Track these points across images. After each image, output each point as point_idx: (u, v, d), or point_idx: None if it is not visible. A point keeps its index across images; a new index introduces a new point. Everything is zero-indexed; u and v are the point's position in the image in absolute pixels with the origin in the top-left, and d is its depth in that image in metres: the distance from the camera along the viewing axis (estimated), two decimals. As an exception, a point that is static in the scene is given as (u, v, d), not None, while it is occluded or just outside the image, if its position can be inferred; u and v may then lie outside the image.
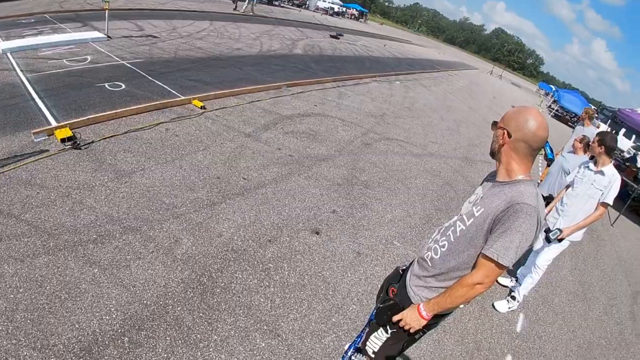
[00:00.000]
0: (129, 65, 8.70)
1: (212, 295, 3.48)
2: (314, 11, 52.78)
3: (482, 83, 34.97)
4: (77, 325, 2.87)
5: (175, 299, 3.33)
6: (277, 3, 43.02)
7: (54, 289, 3.10)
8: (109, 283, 3.29)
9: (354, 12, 68.09)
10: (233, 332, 3.19)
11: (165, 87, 7.93)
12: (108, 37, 10.72)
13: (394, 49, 34.91)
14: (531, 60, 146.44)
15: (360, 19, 69.67)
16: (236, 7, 25.38)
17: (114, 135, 5.63)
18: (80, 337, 2.80)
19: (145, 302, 3.22)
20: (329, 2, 58.79)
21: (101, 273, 3.36)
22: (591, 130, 7.34)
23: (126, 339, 2.88)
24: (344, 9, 64.82)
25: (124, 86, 7.42)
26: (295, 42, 19.45)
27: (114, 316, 3.02)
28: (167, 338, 2.98)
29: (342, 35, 30.99)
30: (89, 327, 2.88)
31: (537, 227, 1.81)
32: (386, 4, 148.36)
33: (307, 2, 53.65)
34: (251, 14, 25.16)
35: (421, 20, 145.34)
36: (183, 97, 7.56)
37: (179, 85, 8.25)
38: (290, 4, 48.41)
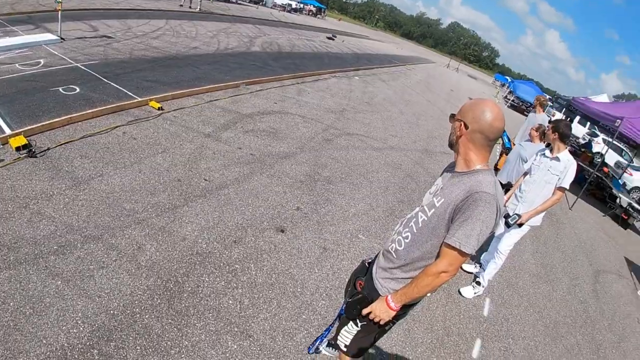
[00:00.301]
0: (83, 67, 8.43)
1: (179, 301, 3.43)
2: (271, 8, 52.46)
3: (439, 76, 35.61)
4: (44, 341, 2.78)
5: (142, 307, 3.26)
6: (234, 0, 42.51)
7: (18, 305, 2.99)
8: (73, 295, 3.20)
9: (312, 8, 68.01)
10: (204, 337, 3.16)
11: (121, 88, 7.73)
12: (61, 39, 10.34)
13: (352, 44, 35.11)
14: (487, 53, 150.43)
15: (318, 15, 69.71)
16: (183, 4, 24.88)
17: (70, 141, 5.45)
18: (48, 353, 2.71)
19: (112, 312, 3.15)
20: (286, -1, 58.57)
21: (65, 285, 3.27)
22: (543, 116, 7.59)
23: (95, 351, 2.82)
24: (302, 5, 64.68)
25: (78, 90, 7.18)
26: (253, 40, 19.30)
27: (81, 329, 2.94)
28: (137, 347, 2.93)
29: (336, 37, 32.23)
30: (57, 342, 2.80)
31: (496, 214, 1.87)
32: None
33: (265, -1, 53.30)
34: (197, 10, 24.70)
35: (378, 16, 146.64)
36: (140, 99, 7.39)
37: (135, 86, 8.06)
38: (248, 1, 47.96)
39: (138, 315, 3.18)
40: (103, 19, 14.54)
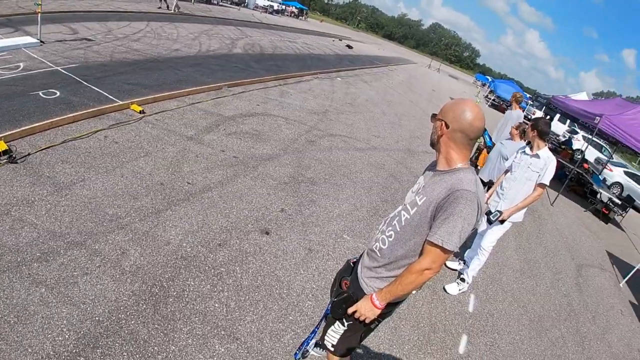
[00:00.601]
0: (63, 71, 8.32)
1: (165, 306, 3.41)
2: (253, 9, 52.24)
3: (421, 77, 35.95)
4: (29, 350, 2.75)
5: (128, 313, 3.24)
6: (215, 2, 42.30)
7: (2, 314, 2.94)
8: (57, 302, 3.16)
9: (294, 9, 67.94)
10: (190, 341, 3.15)
11: (102, 92, 7.65)
12: (41, 42, 10.18)
13: (335, 46, 35.18)
14: (468, 53, 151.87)
15: (300, 17, 69.69)
16: (161, 6, 24.63)
17: (51, 146, 5.38)
18: (33, 362, 2.68)
19: (97, 318, 3.12)
20: (268, 0, 58.31)
21: (49, 292, 3.23)
22: (518, 112, 7.76)
23: (82, 359, 2.79)
24: (284, 6, 64.55)
25: (59, 93, 7.09)
26: (235, 42, 19.22)
27: (67, 336, 2.91)
28: (124, 354, 2.90)
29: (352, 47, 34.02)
30: (43, 351, 2.76)
31: (477, 211, 1.90)
32: (325, 1, 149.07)
33: (246, 1, 53.01)
34: (172, 11, 24.32)
35: (360, 17, 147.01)
36: (121, 102, 7.32)
37: (116, 89, 7.97)
38: (229, 3, 47.71)
39: (124, 321, 3.16)
40: (83, 21, 14.35)
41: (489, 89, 40.22)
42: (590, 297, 6.30)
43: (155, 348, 3.01)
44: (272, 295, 3.89)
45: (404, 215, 2.12)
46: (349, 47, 34.55)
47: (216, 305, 3.58)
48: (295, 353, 2.78)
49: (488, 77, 63.19)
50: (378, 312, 2.14)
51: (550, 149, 4.64)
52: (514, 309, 5.17)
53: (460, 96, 17.98)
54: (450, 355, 4.00)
